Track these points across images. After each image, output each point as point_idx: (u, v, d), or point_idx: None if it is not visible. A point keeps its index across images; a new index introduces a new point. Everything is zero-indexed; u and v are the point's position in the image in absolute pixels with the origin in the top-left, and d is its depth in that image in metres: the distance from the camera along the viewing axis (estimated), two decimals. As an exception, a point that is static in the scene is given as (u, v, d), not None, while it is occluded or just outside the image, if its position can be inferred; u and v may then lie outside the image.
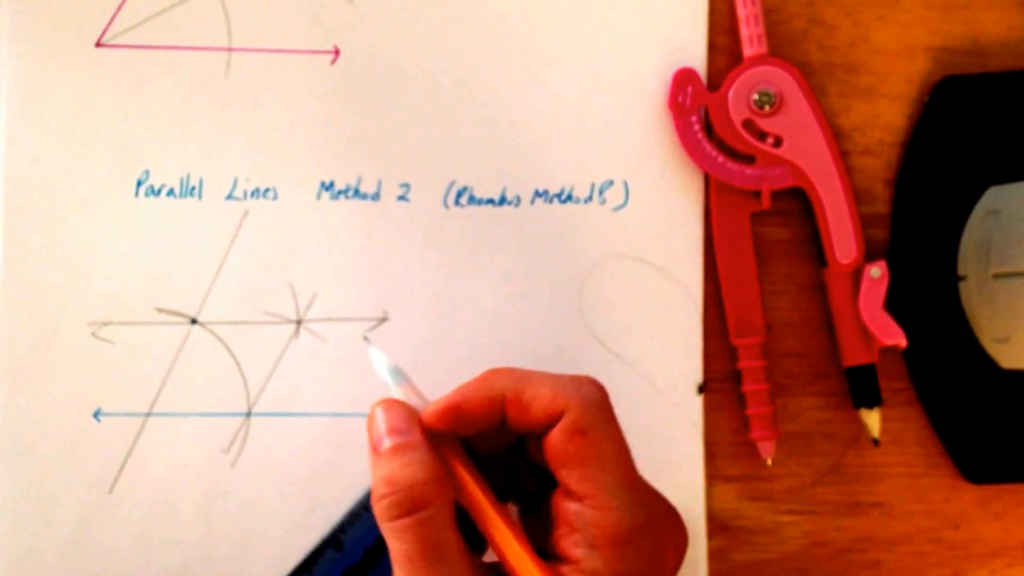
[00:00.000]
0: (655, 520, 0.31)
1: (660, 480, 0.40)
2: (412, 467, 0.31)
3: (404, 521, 0.30)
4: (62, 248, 0.40)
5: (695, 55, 0.41)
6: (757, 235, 0.42)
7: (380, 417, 0.32)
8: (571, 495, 0.31)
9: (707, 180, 0.41)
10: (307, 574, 0.39)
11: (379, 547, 0.39)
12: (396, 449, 0.31)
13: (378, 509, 0.31)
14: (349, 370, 0.40)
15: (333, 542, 0.39)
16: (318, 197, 0.41)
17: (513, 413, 0.32)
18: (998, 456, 0.41)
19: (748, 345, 0.41)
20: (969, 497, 0.42)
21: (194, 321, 0.40)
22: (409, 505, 0.30)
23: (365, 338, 0.39)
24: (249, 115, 0.40)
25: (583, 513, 0.31)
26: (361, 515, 0.39)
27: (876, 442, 0.41)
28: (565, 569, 0.30)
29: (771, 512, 0.42)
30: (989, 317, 0.41)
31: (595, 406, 0.32)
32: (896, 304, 0.40)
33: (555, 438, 0.31)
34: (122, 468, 0.40)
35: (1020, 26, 0.42)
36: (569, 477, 0.31)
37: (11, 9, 0.40)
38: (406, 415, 0.32)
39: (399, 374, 0.34)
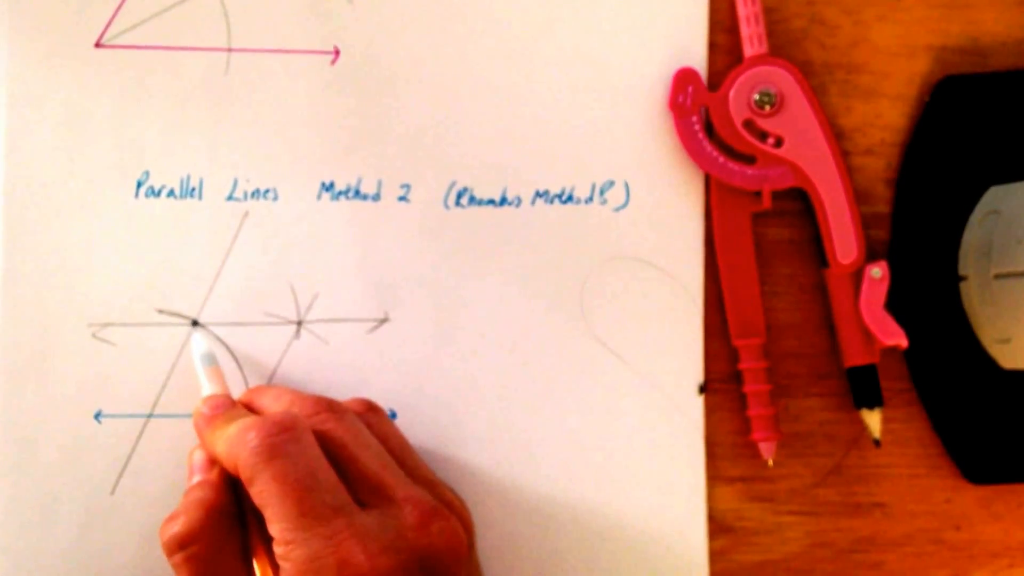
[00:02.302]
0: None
1: (661, 481, 0.41)
2: (193, 506, 0.33)
3: (176, 557, 0.33)
4: (62, 249, 0.40)
5: (695, 55, 0.41)
6: (758, 235, 0.42)
7: (195, 455, 0.36)
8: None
9: (708, 180, 0.41)
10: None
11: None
12: (190, 489, 0.35)
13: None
14: (350, 371, 0.40)
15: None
16: (318, 198, 0.41)
17: None
18: (999, 457, 0.41)
19: (749, 346, 0.41)
20: (971, 498, 0.42)
21: (195, 322, 0.40)
22: (178, 542, 0.32)
23: (195, 322, 0.40)
24: (249, 115, 0.40)
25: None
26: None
27: (877, 443, 0.41)
28: None
29: (772, 513, 0.41)
30: (990, 317, 0.41)
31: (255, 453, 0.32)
32: (897, 304, 0.40)
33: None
34: (123, 470, 0.40)
35: (1021, 25, 0.42)
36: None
37: (10, 9, 0.40)
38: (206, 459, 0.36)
39: (209, 359, 0.38)
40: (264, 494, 0.31)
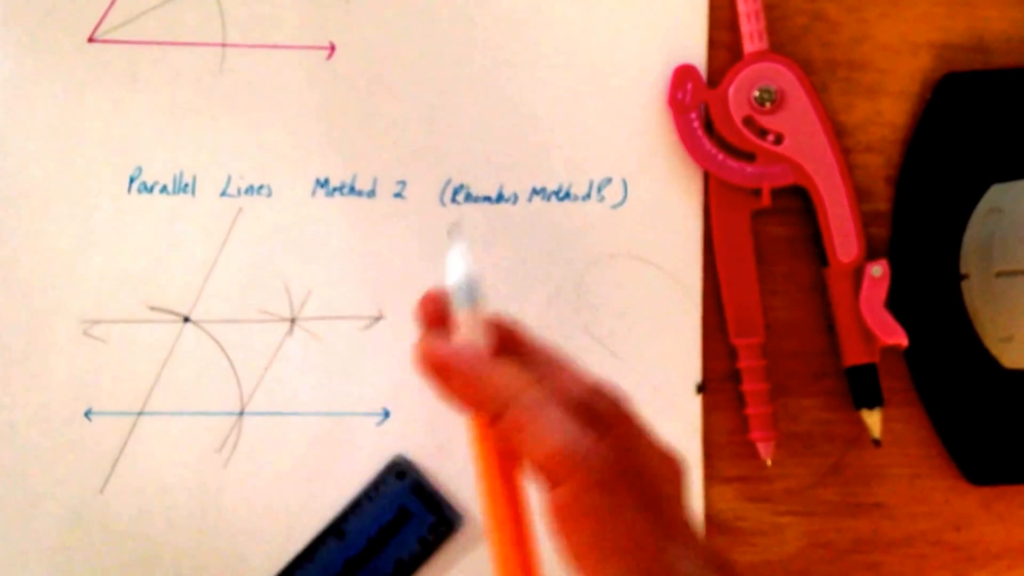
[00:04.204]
0: None
1: (658, 481, 0.40)
2: None
3: None
4: (53, 245, 0.40)
5: (695, 51, 0.41)
6: (757, 233, 0.41)
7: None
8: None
9: (707, 178, 0.41)
10: (309, 563, 0.39)
11: (381, 537, 0.39)
12: None
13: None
14: (344, 369, 0.40)
15: (335, 531, 0.39)
16: (313, 194, 0.40)
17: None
18: (1000, 457, 0.41)
19: (748, 344, 0.40)
20: (971, 498, 0.41)
21: (187, 319, 0.40)
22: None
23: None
24: (243, 111, 0.40)
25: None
26: (364, 505, 0.39)
27: (877, 442, 0.41)
28: None
29: (771, 513, 0.41)
30: (992, 316, 0.40)
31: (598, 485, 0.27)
32: (897, 303, 0.40)
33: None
34: (113, 468, 0.39)
35: (1023, 23, 0.42)
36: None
37: (3, 3, 0.40)
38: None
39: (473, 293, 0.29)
40: (604, 534, 0.27)
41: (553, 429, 0.27)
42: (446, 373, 0.29)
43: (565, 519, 0.27)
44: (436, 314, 0.30)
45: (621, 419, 0.29)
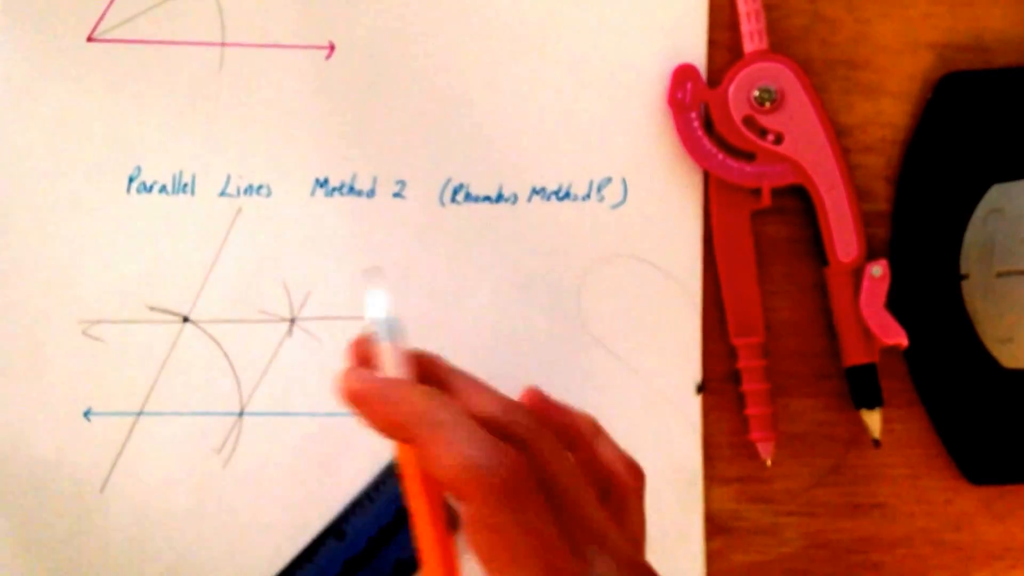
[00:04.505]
0: None
1: (658, 481, 0.40)
2: None
3: None
4: (52, 245, 0.40)
5: (695, 51, 0.41)
6: (757, 233, 0.41)
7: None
8: None
9: (707, 177, 0.41)
10: (308, 563, 0.39)
11: (381, 538, 0.39)
12: None
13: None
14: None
15: (335, 531, 0.39)
16: (312, 194, 0.40)
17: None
18: (1000, 457, 0.41)
19: (748, 345, 0.40)
20: (971, 498, 0.41)
21: (186, 319, 0.40)
22: None
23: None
24: (243, 111, 0.40)
25: None
26: (364, 505, 0.39)
27: (877, 443, 0.41)
28: None
29: (770, 513, 0.41)
30: (992, 317, 0.40)
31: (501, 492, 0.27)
32: (897, 303, 0.40)
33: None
34: (113, 468, 0.39)
35: (1023, 22, 0.42)
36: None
37: (2, 2, 0.40)
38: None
39: (394, 330, 0.30)
40: (506, 544, 0.27)
41: (458, 448, 0.27)
42: (362, 401, 0.29)
43: (474, 533, 0.27)
44: (364, 354, 0.31)
45: (536, 435, 0.29)
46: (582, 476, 0.30)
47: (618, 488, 0.33)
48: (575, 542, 0.28)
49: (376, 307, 0.30)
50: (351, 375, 0.30)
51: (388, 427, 0.29)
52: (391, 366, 0.30)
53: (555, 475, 0.29)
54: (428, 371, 0.31)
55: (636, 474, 0.34)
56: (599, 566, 0.28)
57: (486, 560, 0.28)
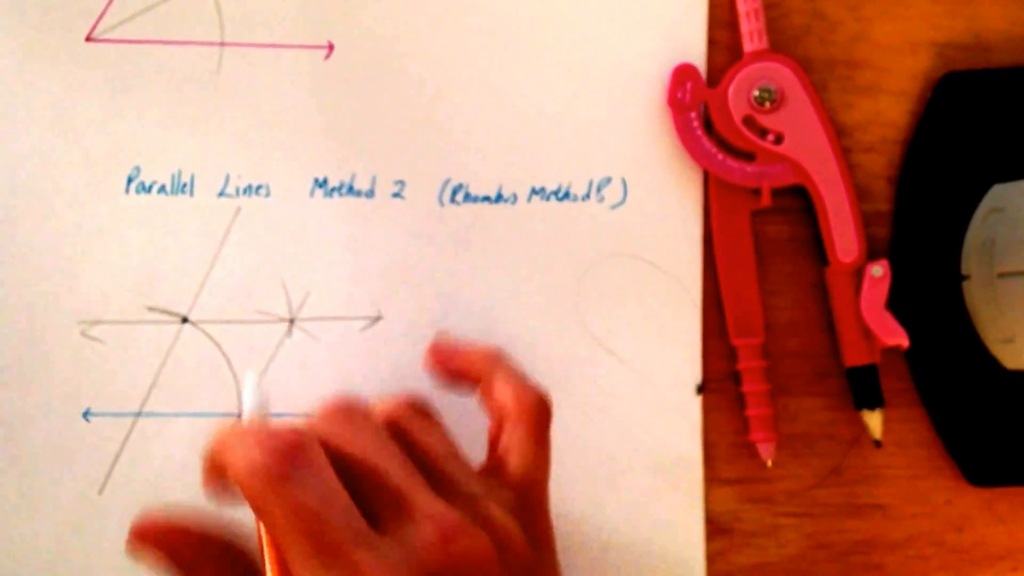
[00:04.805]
0: None
1: (658, 481, 0.40)
2: None
3: None
4: (51, 246, 0.39)
5: (694, 50, 0.41)
6: (757, 233, 0.41)
7: None
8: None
9: (706, 177, 0.41)
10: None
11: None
12: None
13: None
14: (343, 370, 0.40)
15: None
16: (311, 194, 0.40)
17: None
18: (1002, 458, 0.41)
19: (748, 345, 0.40)
20: (972, 500, 0.41)
21: (185, 320, 0.40)
22: None
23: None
24: (242, 111, 0.40)
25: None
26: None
27: (878, 444, 0.41)
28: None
29: (771, 514, 0.41)
30: (993, 317, 0.40)
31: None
32: (898, 303, 0.40)
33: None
34: (112, 469, 0.39)
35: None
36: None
37: (0, 2, 0.39)
38: None
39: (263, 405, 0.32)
40: (275, 528, 0.27)
41: (231, 454, 0.28)
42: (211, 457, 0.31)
43: (257, 522, 0.29)
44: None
45: (328, 416, 0.31)
46: (390, 443, 0.31)
47: (505, 424, 0.33)
48: (376, 512, 0.29)
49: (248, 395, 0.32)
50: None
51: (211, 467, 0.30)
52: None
53: (350, 445, 0.29)
54: None
55: (526, 404, 0.34)
56: (393, 543, 0.28)
57: (271, 541, 0.29)
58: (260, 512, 0.28)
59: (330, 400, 0.32)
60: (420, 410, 0.33)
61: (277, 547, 0.29)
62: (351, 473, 0.29)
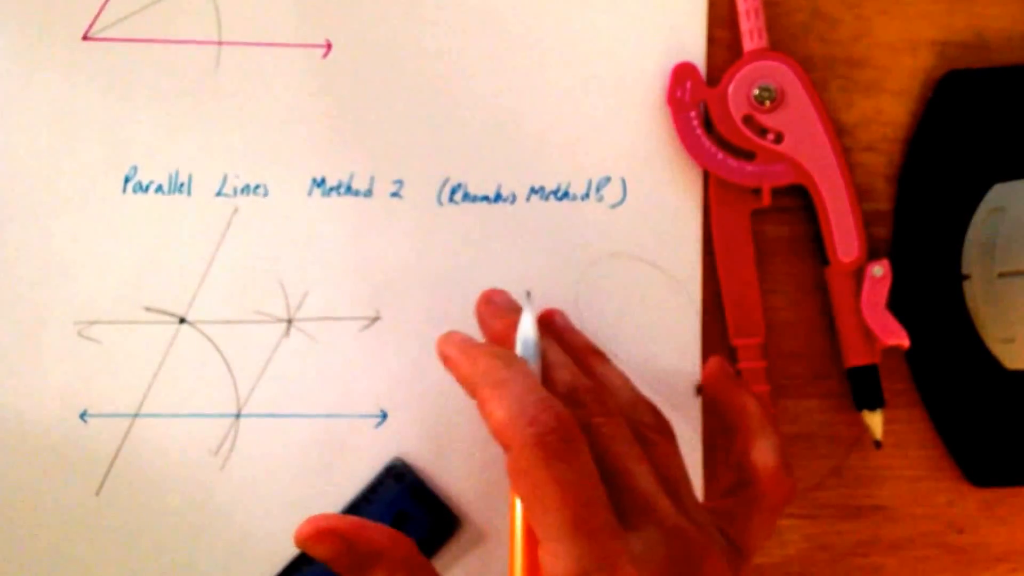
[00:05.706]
0: None
1: (658, 483, 0.40)
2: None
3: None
4: (48, 245, 0.39)
5: (694, 49, 0.41)
6: (757, 233, 0.41)
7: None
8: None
9: (706, 177, 0.41)
10: (306, 566, 0.39)
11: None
12: None
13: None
14: (341, 370, 0.40)
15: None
16: (309, 194, 0.40)
17: None
18: (1003, 459, 0.41)
19: (748, 345, 0.40)
20: (973, 501, 0.41)
21: (183, 320, 0.39)
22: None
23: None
24: (239, 110, 0.40)
25: None
26: (362, 507, 0.39)
27: (878, 444, 0.40)
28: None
29: (771, 515, 0.41)
30: (994, 317, 0.40)
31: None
32: (899, 303, 0.40)
33: None
34: (109, 470, 0.39)
35: (1025, 20, 0.42)
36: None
37: (-3, 2, 0.39)
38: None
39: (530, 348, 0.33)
40: (537, 494, 0.28)
41: (507, 402, 0.29)
42: (446, 359, 0.34)
43: (512, 480, 0.29)
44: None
45: (596, 401, 0.32)
46: (639, 448, 0.31)
47: (755, 488, 0.35)
48: (622, 510, 0.29)
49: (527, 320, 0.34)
50: (445, 338, 0.34)
51: (461, 382, 0.33)
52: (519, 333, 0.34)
53: (608, 440, 0.30)
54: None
55: (784, 489, 0.35)
56: (639, 540, 0.28)
57: (525, 508, 0.29)
58: (526, 479, 0.28)
59: (584, 381, 0.33)
60: (664, 427, 0.34)
61: (527, 519, 0.29)
62: (606, 465, 0.30)
